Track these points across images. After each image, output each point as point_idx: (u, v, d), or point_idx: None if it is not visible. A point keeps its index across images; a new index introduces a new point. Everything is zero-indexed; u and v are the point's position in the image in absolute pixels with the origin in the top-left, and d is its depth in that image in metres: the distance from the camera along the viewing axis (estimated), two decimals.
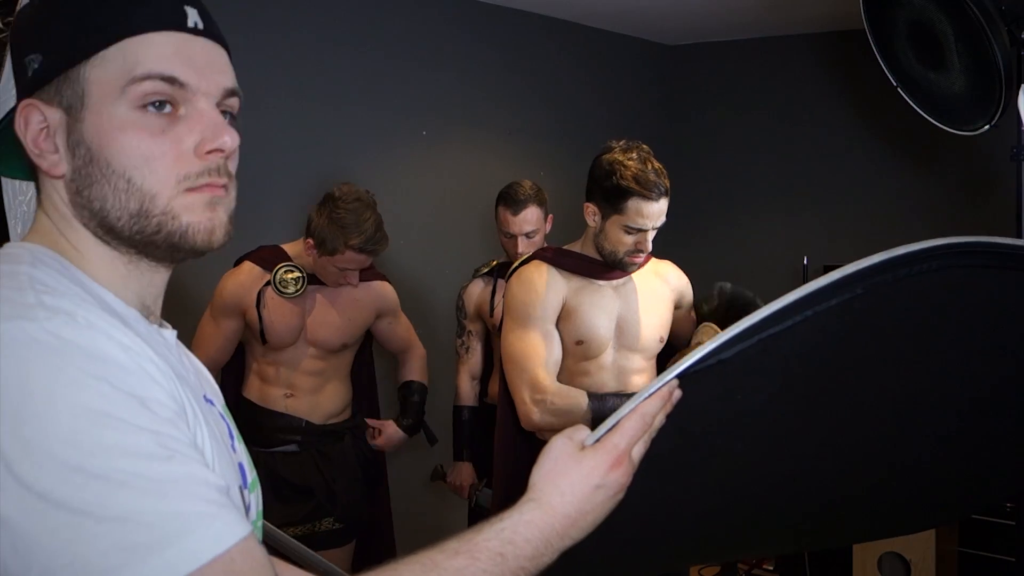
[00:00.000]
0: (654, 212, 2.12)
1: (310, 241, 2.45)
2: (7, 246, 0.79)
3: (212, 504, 0.66)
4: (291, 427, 2.55)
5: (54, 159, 0.77)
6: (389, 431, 2.70)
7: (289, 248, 2.58)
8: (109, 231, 0.78)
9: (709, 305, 2.36)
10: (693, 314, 2.42)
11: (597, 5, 4.23)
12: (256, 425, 2.50)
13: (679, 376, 0.83)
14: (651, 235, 2.17)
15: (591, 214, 2.20)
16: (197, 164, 0.77)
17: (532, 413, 2.10)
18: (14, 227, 2.15)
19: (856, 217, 4.50)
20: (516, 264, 2.36)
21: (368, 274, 2.66)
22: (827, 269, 4.30)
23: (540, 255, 2.30)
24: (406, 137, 3.89)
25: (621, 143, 2.17)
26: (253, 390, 2.58)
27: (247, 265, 2.55)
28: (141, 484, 0.63)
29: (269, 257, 2.53)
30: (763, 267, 4.48)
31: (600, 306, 2.23)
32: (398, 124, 3.85)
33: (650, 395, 0.83)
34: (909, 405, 0.99)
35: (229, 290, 2.52)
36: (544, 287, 2.19)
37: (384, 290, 2.71)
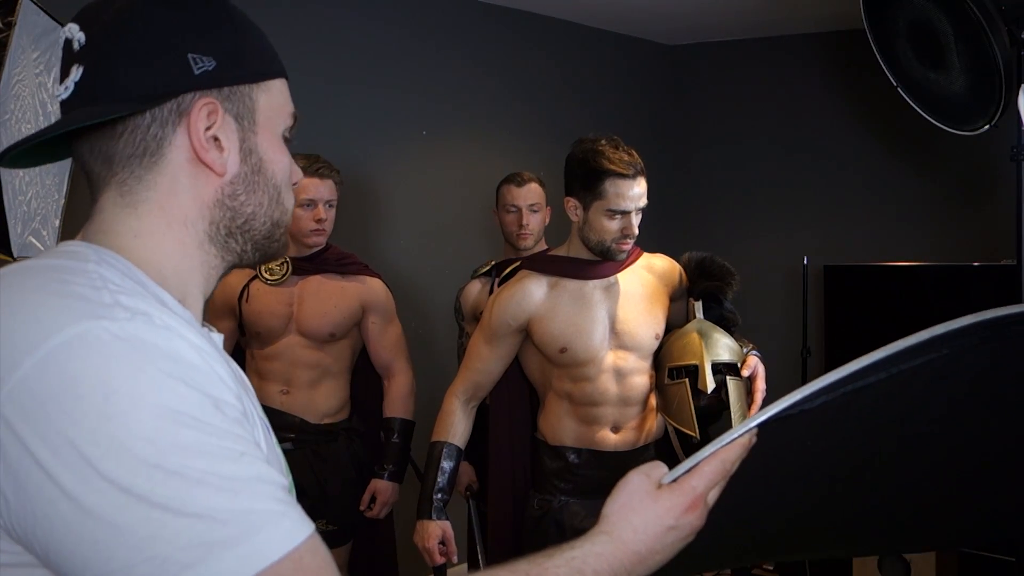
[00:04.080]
0: (633, 192, 2.13)
1: None
2: (68, 244, 0.80)
3: (280, 503, 0.68)
4: (286, 425, 2.54)
5: (222, 158, 0.82)
6: (381, 497, 2.60)
7: None
8: (243, 233, 0.86)
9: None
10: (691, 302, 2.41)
11: (597, 5, 4.24)
12: None
13: (760, 425, 0.84)
14: (636, 219, 2.17)
15: (572, 208, 2.21)
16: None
17: (446, 398, 2.33)
18: (14, 227, 2.15)
19: (856, 217, 4.50)
20: (508, 271, 2.42)
21: (360, 268, 2.67)
22: (827, 269, 4.33)
23: (527, 264, 2.32)
24: (406, 137, 3.89)
25: (590, 135, 2.22)
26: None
27: None
28: (216, 482, 0.65)
29: None
30: (763, 267, 4.48)
31: (585, 310, 2.21)
32: (398, 124, 3.85)
33: (731, 441, 0.84)
34: (973, 461, 1.02)
35: (218, 292, 2.53)
36: (514, 304, 2.22)
37: (373, 284, 2.68)
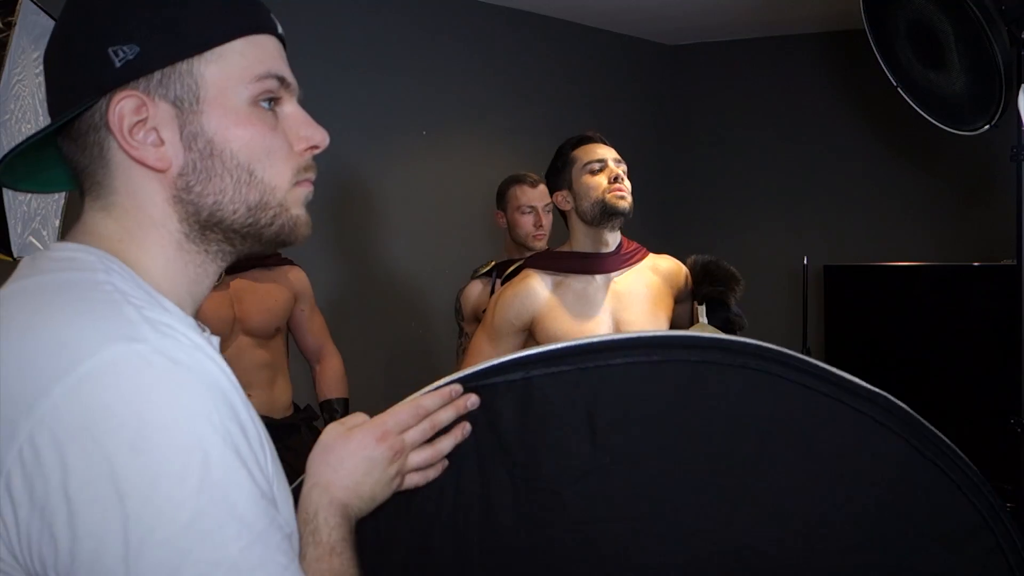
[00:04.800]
0: (604, 151, 2.20)
1: None
2: (60, 248, 0.76)
3: (285, 555, 0.68)
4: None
5: (159, 152, 0.75)
6: None
7: None
8: (215, 226, 0.78)
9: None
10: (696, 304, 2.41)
11: (598, 5, 4.24)
12: None
13: (461, 380, 0.98)
14: (621, 172, 2.18)
15: (562, 199, 2.24)
16: (300, 160, 0.81)
17: None
18: (14, 227, 2.15)
19: (856, 217, 4.50)
20: (511, 269, 2.41)
21: (279, 260, 2.67)
22: (827, 269, 4.33)
23: (531, 263, 2.32)
24: (406, 137, 3.89)
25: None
26: None
27: None
28: (235, 529, 0.65)
29: None
30: (763, 267, 4.48)
31: (590, 309, 2.21)
32: (398, 124, 3.85)
33: (428, 391, 0.97)
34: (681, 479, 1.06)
35: None
36: (518, 303, 2.21)
37: (298, 273, 2.69)
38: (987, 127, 2.34)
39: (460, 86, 4.07)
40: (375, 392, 3.67)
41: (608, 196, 2.14)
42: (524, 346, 2.28)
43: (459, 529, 1.00)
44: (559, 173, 2.25)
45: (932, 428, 1.03)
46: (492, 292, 2.95)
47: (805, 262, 3.77)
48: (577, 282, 2.22)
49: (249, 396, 2.75)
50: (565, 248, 2.29)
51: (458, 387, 0.99)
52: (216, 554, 0.63)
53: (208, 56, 0.75)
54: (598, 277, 2.23)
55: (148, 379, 0.64)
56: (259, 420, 0.79)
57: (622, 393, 1.01)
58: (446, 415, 0.97)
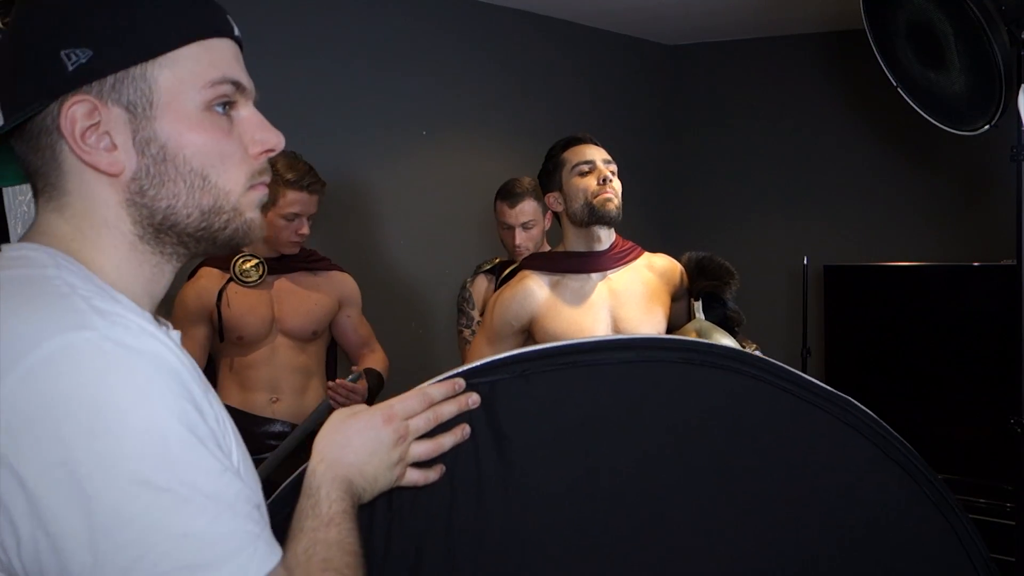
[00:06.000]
0: (593, 152, 2.22)
1: None
2: (14, 248, 0.76)
3: (256, 523, 0.69)
4: (280, 433, 2.53)
5: (112, 157, 0.75)
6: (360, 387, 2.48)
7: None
8: (168, 229, 0.78)
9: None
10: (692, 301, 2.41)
11: (597, 5, 4.23)
12: (244, 432, 2.46)
13: (463, 375, 1.00)
14: (610, 174, 2.18)
15: (554, 201, 2.26)
16: (254, 163, 0.82)
17: None
18: (14, 227, 2.16)
19: (856, 217, 4.50)
20: (508, 271, 2.42)
21: (328, 265, 2.69)
22: (827, 269, 4.33)
23: (527, 263, 2.33)
24: (406, 137, 3.89)
25: None
26: (232, 397, 2.52)
27: (204, 270, 2.54)
28: (200, 501, 0.65)
29: (223, 256, 2.52)
30: (763, 267, 4.48)
31: (588, 308, 2.22)
32: (398, 124, 3.85)
33: (435, 382, 1.00)
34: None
35: (192, 297, 2.51)
36: (516, 304, 2.22)
37: (345, 279, 2.72)
38: (987, 127, 2.34)
39: (460, 86, 4.07)
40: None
41: (596, 200, 2.16)
42: (524, 347, 2.28)
43: (452, 542, 1.00)
44: (550, 175, 2.27)
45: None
46: (495, 290, 2.96)
47: (805, 262, 3.77)
48: (574, 281, 2.23)
49: (276, 402, 2.70)
50: (560, 248, 2.30)
51: (461, 381, 1.00)
52: (184, 528, 0.64)
53: (161, 61, 0.75)
54: (594, 276, 2.24)
55: (100, 364, 0.64)
56: (221, 404, 0.79)
57: (613, 394, 1.03)
58: (449, 408, 0.99)
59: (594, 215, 2.17)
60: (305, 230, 2.52)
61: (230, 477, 0.69)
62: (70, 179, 0.76)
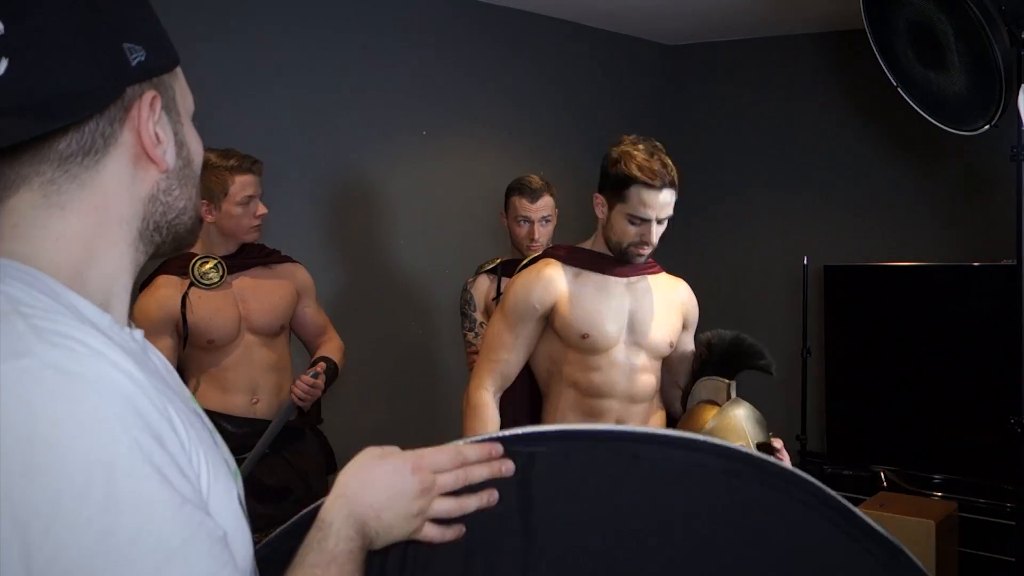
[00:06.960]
0: (657, 202, 2.13)
1: (204, 202, 2.40)
2: None
3: (217, 560, 0.65)
4: (260, 431, 2.53)
5: (164, 151, 0.78)
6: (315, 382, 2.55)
7: (194, 248, 2.53)
8: (169, 227, 0.80)
9: (702, 357, 2.28)
10: (695, 348, 2.36)
11: (597, 5, 4.24)
12: (225, 433, 2.47)
13: (501, 440, 0.97)
14: (657, 229, 2.17)
15: (599, 205, 2.24)
16: None
17: (473, 393, 2.25)
18: None
19: (856, 217, 4.50)
20: (527, 260, 2.41)
21: (280, 257, 2.67)
22: (827, 269, 4.33)
23: (552, 252, 2.33)
24: (406, 136, 3.89)
25: (632, 136, 2.21)
26: (211, 400, 2.49)
27: (162, 279, 2.49)
28: (153, 540, 0.61)
29: (178, 263, 2.49)
30: (763, 267, 4.48)
31: (608, 300, 2.24)
32: (398, 123, 3.85)
33: (470, 442, 0.97)
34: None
35: (154, 308, 2.45)
36: (540, 287, 2.22)
37: (299, 269, 2.70)
38: (987, 127, 2.34)
39: (460, 86, 4.07)
40: (375, 392, 3.67)
41: (630, 249, 2.20)
42: (542, 336, 2.29)
43: None
44: (609, 186, 2.20)
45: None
46: (498, 289, 2.97)
47: (805, 262, 3.78)
48: (596, 275, 2.26)
49: (256, 402, 2.69)
50: (587, 244, 2.32)
51: (499, 447, 0.97)
52: (132, 570, 0.60)
53: (176, 72, 0.81)
54: (614, 277, 2.26)
55: (38, 397, 0.60)
56: (192, 413, 0.75)
57: (651, 494, 1.01)
58: (480, 472, 0.96)
59: (622, 255, 2.23)
60: (263, 210, 2.52)
61: (190, 511, 0.64)
62: (104, 172, 0.74)
